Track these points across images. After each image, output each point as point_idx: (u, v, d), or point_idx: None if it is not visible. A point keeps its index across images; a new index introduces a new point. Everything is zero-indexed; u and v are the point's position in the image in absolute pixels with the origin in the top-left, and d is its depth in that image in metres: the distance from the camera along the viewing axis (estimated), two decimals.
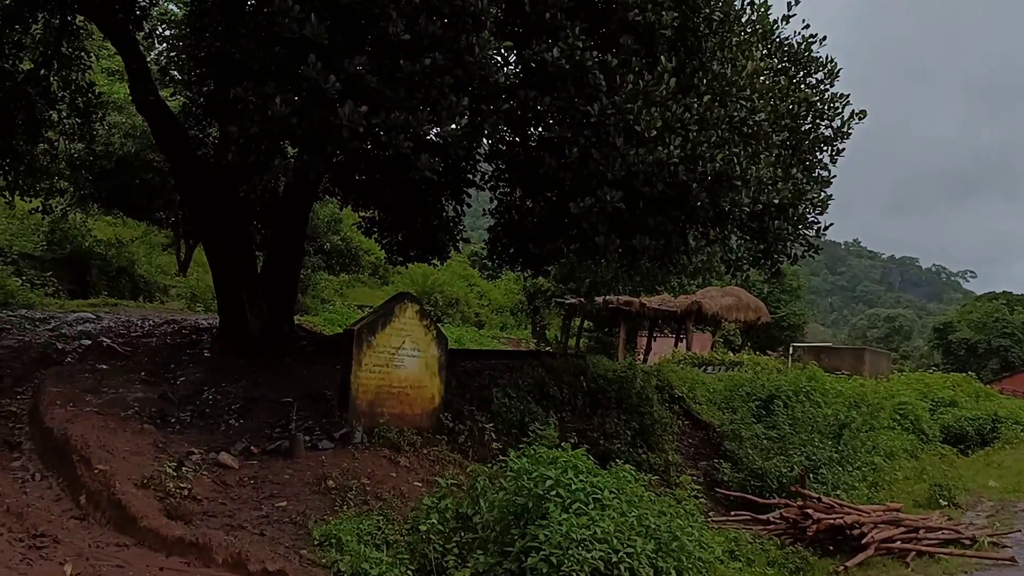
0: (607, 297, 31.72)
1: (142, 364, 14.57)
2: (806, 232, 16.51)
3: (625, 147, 12.44)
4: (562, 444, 10.29)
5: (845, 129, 16.14)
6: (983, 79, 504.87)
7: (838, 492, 16.10)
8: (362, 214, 21.26)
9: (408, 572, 7.93)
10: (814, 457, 17.26)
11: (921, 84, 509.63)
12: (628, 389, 17.10)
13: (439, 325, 13.94)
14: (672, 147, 12.54)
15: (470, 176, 17.65)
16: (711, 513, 12.23)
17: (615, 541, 7.47)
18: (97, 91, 19.57)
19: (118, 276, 28.25)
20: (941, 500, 14.97)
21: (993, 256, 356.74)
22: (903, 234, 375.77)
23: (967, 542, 11.12)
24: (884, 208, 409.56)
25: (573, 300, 35.43)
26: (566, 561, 7.13)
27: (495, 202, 17.27)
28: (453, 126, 11.43)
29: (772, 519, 11.55)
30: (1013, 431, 28.40)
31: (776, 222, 15.59)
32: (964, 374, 39.94)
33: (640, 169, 12.65)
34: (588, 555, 7.20)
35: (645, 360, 33.78)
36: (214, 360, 15.44)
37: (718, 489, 15.26)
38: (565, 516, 7.56)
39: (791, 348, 42.59)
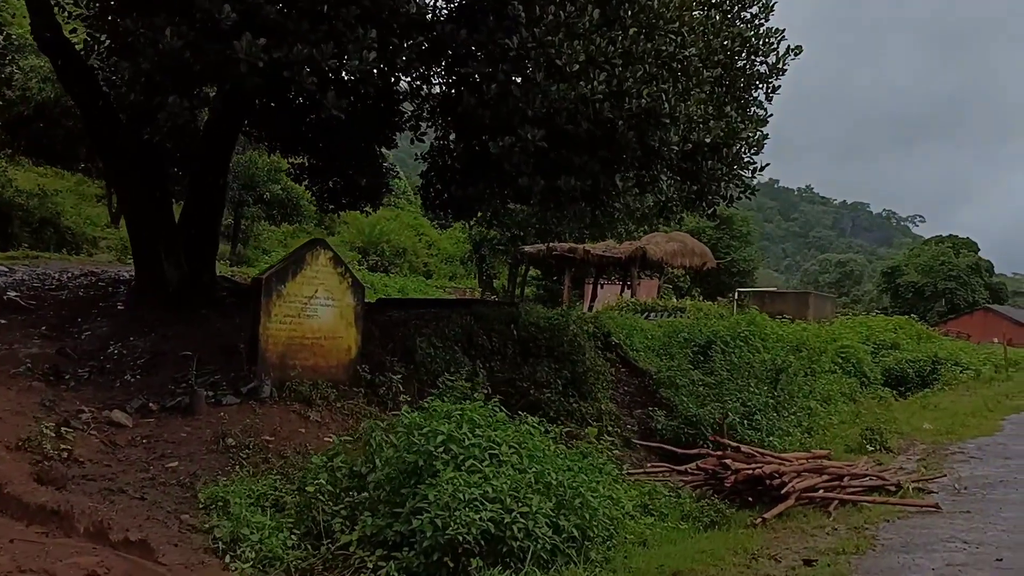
0: (551, 244, 31.19)
1: (45, 318, 13.81)
2: (741, 172, 15.99)
3: (546, 82, 11.85)
4: (474, 395, 9.81)
5: (780, 65, 15.57)
6: (935, 26, 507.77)
7: (772, 438, 15.84)
8: (292, 160, 20.51)
9: (293, 536, 7.39)
10: (749, 403, 16.94)
11: (873, 31, 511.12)
12: (560, 337, 16.65)
13: (354, 273, 13.32)
14: (596, 82, 11.96)
15: (396, 119, 17.00)
16: (626, 465, 11.77)
17: (509, 500, 6.99)
18: (8, 32, 18.47)
19: (42, 228, 27.13)
20: (869, 447, 14.69)
21: (941, 200, 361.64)
22: (855, 180, 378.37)
23: (892, 488, 10.81)
24: (836, 154, 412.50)
25: (521, 248, 34.87)
26: (452, 523, 6.63)
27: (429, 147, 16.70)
28: (358, 61, 10.68)
29: (690, 470, 11.12)
30: (952, 372, 28.46)
31: (709, 162, 15.06)
32: (907, 317, 40.10)
33: (563, 106, 12.06)
34: (476, 516, 6.70)
35: (591, 308, 33.39)
36: (126, 313, 14.72)
37: (635, 440, 14.82)
38: (455, 474, 7.05)
39: (736, 293, 42.41)
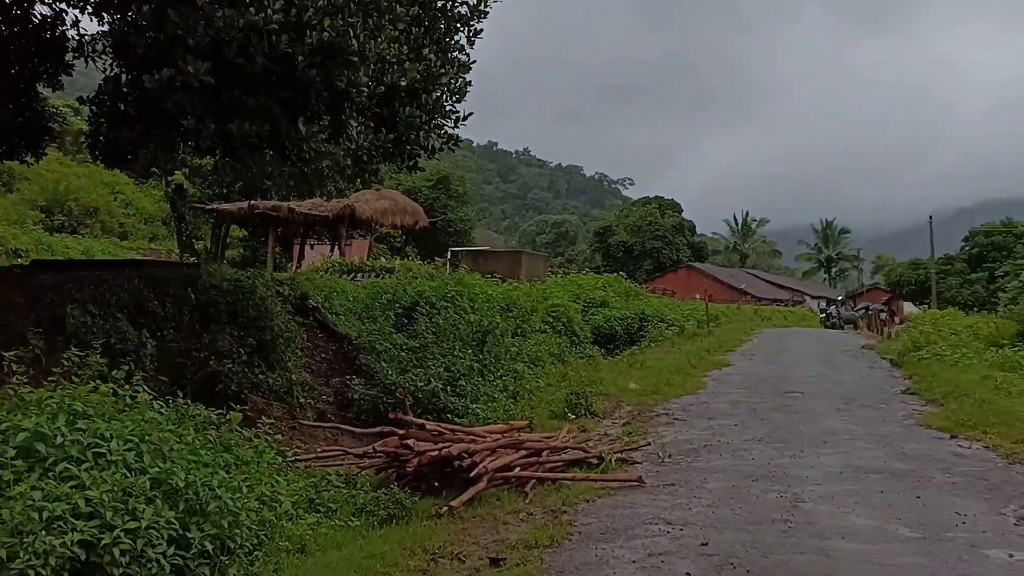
0: (252, 202, 28.93)
1: None
2: (443, 122, 14.85)
3: (210, 6, 10.13)
4: (114, 373, 8.00)
5: (482, 7, 14.51)
6: None
7: (477, 405, 15.03)
8: None
9: None
10: (454, 368, 16.05)
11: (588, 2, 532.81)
12: (247, 301, 14.91)
13: None
14: (271, 10, 10.39)
15: (58, 52, 14.55)
16: (290, 452, 10.29)
17: (111, 514, 5.36)
18: None
19: None
20: (572, 414, 14.12)
21: (649, 164, 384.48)
22: (570, 144, 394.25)
23: (595, 462, 10.11)
24: (553, 117, 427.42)
25: (218, 206, 32.25)
26: (22, 553, 4.95)
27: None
28: None
29: (368, 453, 9.75)
30: (658, 329, 29.24)
31: (407, 108, 13.79)
32: (615, 275, 41.18)
33: (231, 35, 10.40)
34: (59, 541, 5.04)
35: (297, 269, 31.51)
36: None
37: (301, 422, 13.31)
38: (39, 484, 5.36)
39: (449, 253, 41.86)
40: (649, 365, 20.78)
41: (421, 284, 21.30)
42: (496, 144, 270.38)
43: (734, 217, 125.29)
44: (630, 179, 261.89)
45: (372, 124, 13.85)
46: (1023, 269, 52.25)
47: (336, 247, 35.64)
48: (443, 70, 14.22)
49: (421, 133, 14.51)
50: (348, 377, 15.42)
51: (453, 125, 15.15)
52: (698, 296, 73.05)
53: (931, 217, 62.80)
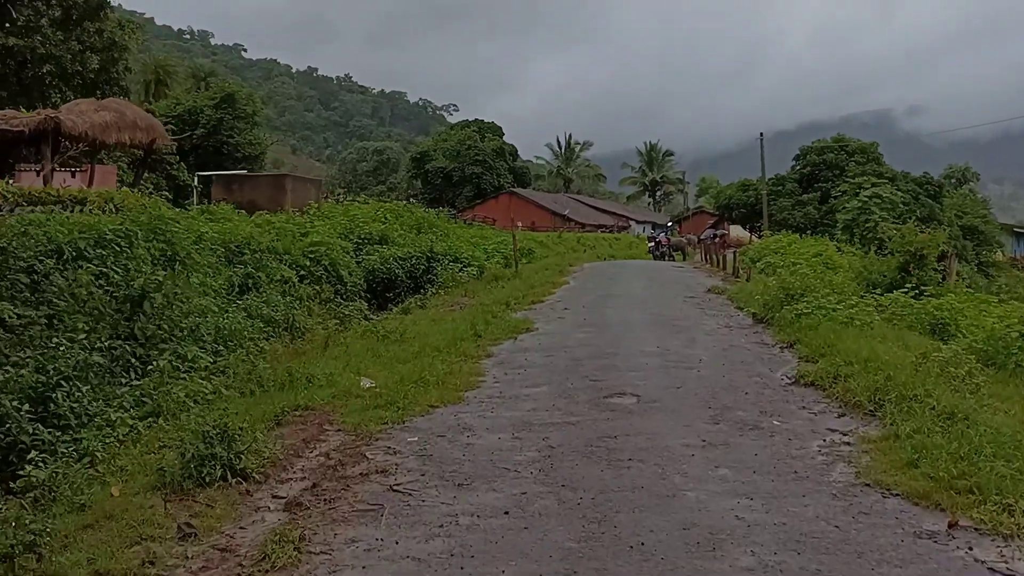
0: None
1: None
2: None
3: None
4: None
5: None
6: None
7: (86, 432, 8.26)
8: None
9: None
10: (55, 367, 9.14)
11: None
12: None
13: None
14: None
15: None
16: None
17: None
18: None
19: None
20: (189, 480, 7.18)
21: (474, 89, 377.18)
22: (393, 68, 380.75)
23: None
24: (374, 41, 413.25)
25: None
26: None
27: None
28: None
29: None
30: (450, 271, 22.65)
31: None
32: (406, 203, 34.30)
33: None
34: None
35: None
36: None
37: None
38: None
39: (195, 179, 33.92)
40: (415, 334, 13.97)
41: (72, 222, 13.92)
42: (316, 70, 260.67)
43: (557, 141, 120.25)
44: (455, 105, 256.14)
45: None
46: (860, 188, 48.54)
47: (40, 173, 27.21)
48: None
49: None
50: None
51: None
52: (519, 224, 67.49)
53: (761, 134, 58.71)
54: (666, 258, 43.99)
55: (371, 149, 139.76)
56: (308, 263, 19.90)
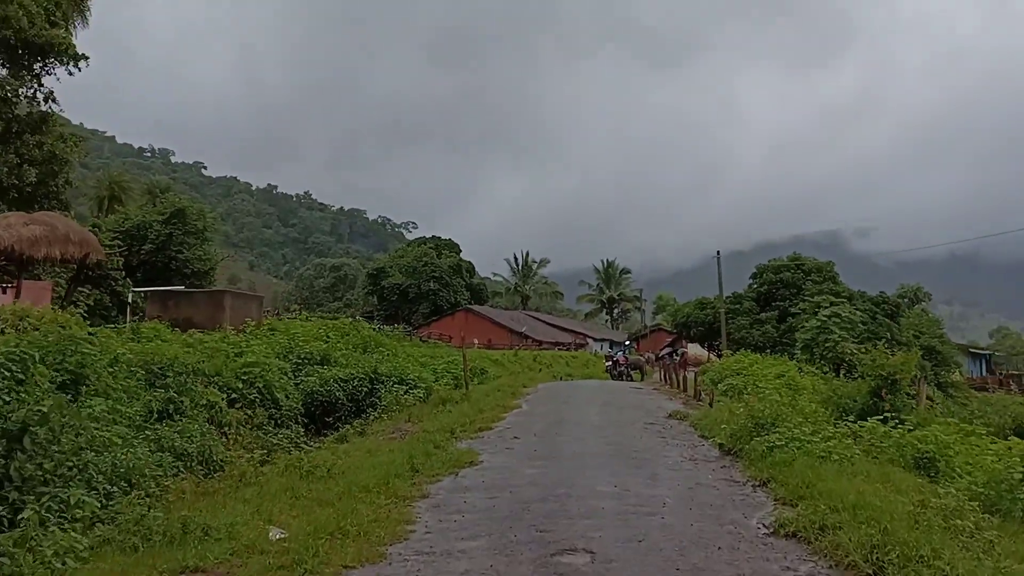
0: None
1: None
2: None
3: None
4: None
5: None
6: (435, 33, 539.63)
7: None
8: None
9: None
10: None
11: (377, 38, 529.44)
12: None
13: None
14: None
15: None
16: None
17: None
18: None
19: None
20: None
21: (433, 206, 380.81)
22: (353, 186, 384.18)
23: None
24: (334, 161, 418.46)
25: None
26: None
27: None
28: None
29: None
30: (394, 394, 21.16)
31: None
32: (352, 319, 32.91)
33: None
34: None
35: None
36: None
37: None
38: None
39: (129, 295, 32.46)
40: (342, 469, 12.47)
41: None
42: (276, 187, 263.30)
43: (515, 257, 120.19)
44: (413, 223, 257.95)
45: None
46: (819, 307, 47.98)
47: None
48: None
49: None
50: None
51: None
52: (475, 342, 66.21)
53: (718, 252, 58.41)
54: (624, 377, 42.98)
55: (328, 266, 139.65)
56: (241, 385, 18.38)
